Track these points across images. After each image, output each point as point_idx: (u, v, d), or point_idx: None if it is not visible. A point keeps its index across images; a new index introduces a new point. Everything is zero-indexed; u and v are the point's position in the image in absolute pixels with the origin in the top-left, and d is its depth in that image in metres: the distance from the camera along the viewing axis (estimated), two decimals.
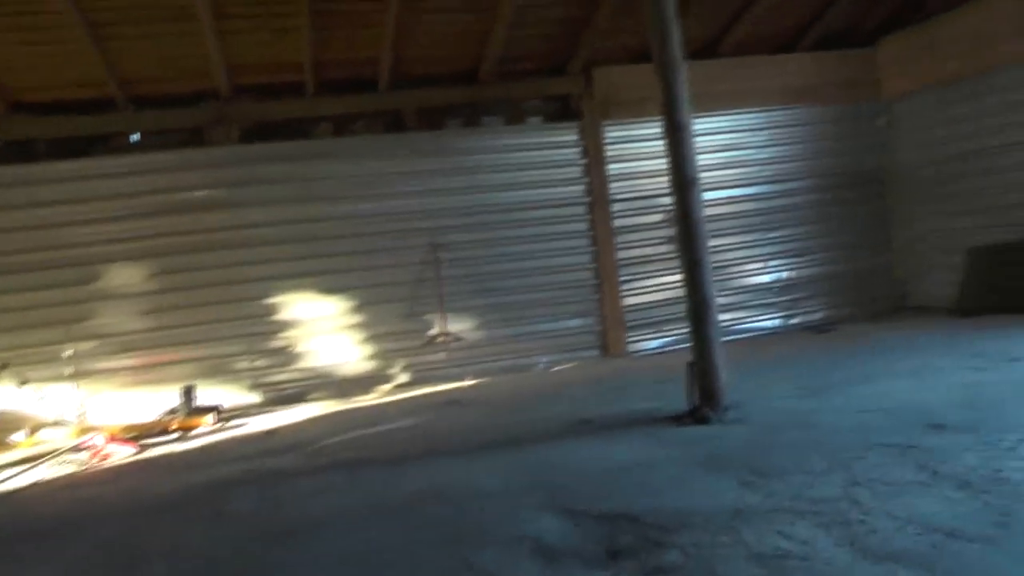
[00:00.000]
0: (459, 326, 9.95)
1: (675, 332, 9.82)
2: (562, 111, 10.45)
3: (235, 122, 9.71)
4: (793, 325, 10.91)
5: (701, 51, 10.50)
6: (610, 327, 10.23)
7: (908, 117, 11.20)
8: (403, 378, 9.83)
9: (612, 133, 10.27)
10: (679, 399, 6.63)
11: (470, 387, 9.43)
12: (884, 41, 11.35)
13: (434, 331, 9.89)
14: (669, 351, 9.58)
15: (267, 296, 9.66)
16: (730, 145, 10.82)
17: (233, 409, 9.36)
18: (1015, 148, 9.72)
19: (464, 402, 8.53)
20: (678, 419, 6.48)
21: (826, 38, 11.23)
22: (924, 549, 3.72)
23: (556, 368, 9.97)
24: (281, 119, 9.85)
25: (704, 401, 6.41)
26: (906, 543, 3.80)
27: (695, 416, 6.39)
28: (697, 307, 6.54)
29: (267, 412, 9.23)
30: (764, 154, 11.00)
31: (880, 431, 5.68)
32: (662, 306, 9.92)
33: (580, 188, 10.27)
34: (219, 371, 9.50)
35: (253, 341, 9.64)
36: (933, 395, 6.52)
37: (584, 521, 4.52)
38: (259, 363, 9.60)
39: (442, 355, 9.96)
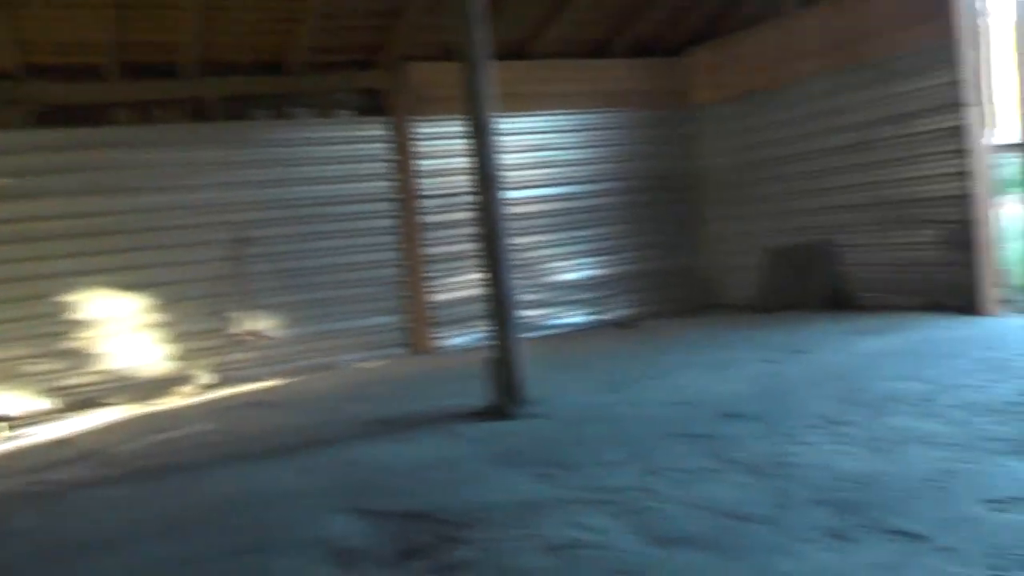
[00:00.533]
0: (266, 324, 9.73)
1: (482, 328, 9.92)
2: (373, 105, 10.35)
3: (27, 105, 9.02)
4: (601, 322, 11.27)
5: (513, 52, 10.65)
6: (417, 324, 10.27)
7: (713, 125, 11.83)
8: (207, 379, 9.49)
9: (422, 129, 10.28)
10: (483, 395, 6.76)
11: (276, 387, 9.24)
12: (692, 52, 11.93)
13: (239, 329, 9.62)
14: (476, 348, 9.67)
15: (60, 294, 9.05)
16: (541, 145, 11.05)
17: (23, 416, 8.75)
18: (803, 157, 10.49)
19: (270, 403, 8.36)
20: (480, 415, 6.61)
21: (636, 46, 11.66)
22: (711, 532, 3.99)
23: (363, 366, 9.91)
24: (78, 103, 9.21)
25: (506, 397, 6.57)
26: (695, 527, 4.06)
27: (496, 412, 6.54)
28: (498, 304, 6.69)
29: (61, 418, 8.69)
30: (575, 155, 11.29)
31: (677, 422, 6.01)
32: (469, 303, 9.97)
33: (389, 184, 10.23)
34: (6, 375, 8.86)
35: (44, 342, 9.03)
36: (729, 386, 6.95)
37: (383, 521, 4.55)
38: (51, 366, 9.02)
39: (248, 354, 9.70)
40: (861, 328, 8.65)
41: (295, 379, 9.54)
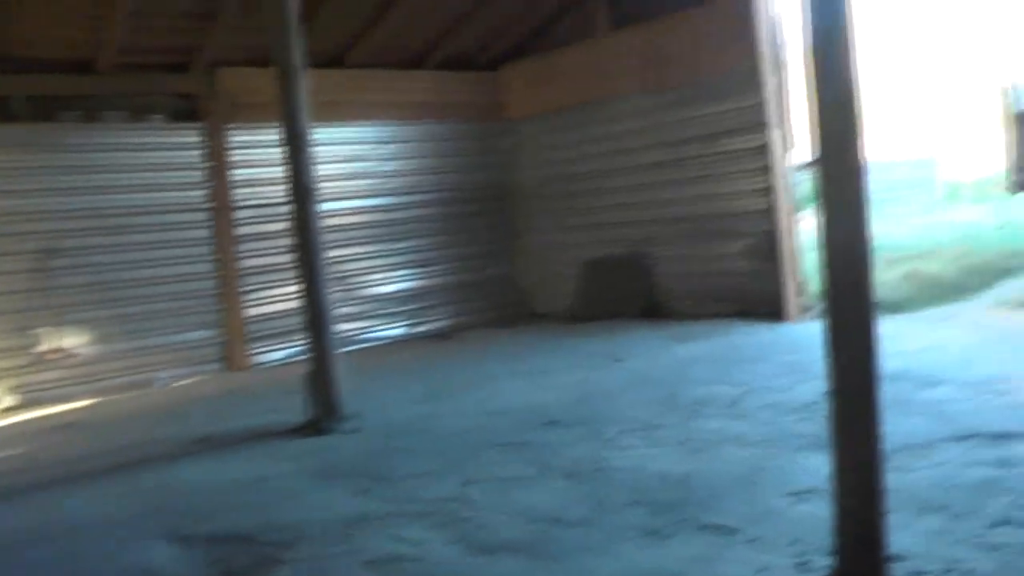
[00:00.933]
0: (74, 340, 9.07)
1: (299, 343, 9.61)
2: (187, 111, 9.85)
3: None
4: (419, 333, 11.16)
5: (329, 61, 10.45)
6: (233, 339, 9.82)
7: (530, 138, 12.00)
8: (9, 401, 8.72)
9: (237, 137, 9.88)
10: (300, 411, 6.56)
11: (85, 408, 8.62)
12: (508, 66, 12.08)
13: (46, 347, 8.92)
14: (294, 362, 9.36)
15: None
16: (358, 156, 10.85)
17: None
18: (618, 172, 10.80)
19: (79, 425, 7.80)
20: (298, 431, 6.42)
21: (454, 59, 11.69)
22: (530, 537, 4.02)
23: (178, 384, 9.41)
24: None
25: (323, 412, 6.41)
26: (513, 534, 4.09)
27: (314, 427, 6.37)
28: (314, 317, 6.53)
29: None
30: (392, 167, 11.16)
31: (496, 431, 6.04)
32: (286, 316, 9.63)
33: (203, 193, 9.78)
34: None
35: None
36: (548, 395, 7.04)
37: (198, 545, 4.35)
38: None
39: (55, 373, 9.00)
40: (675, 335, 8.98)
41: (106, 399, 8.92)
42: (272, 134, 7.59)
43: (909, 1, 49.17)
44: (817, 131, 3.09)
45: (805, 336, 8.14)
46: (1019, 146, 10.57)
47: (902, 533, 3.44)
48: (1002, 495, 3.90)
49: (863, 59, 3.11)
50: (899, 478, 4.08)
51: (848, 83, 3.04)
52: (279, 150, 6.73)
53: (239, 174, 9.86)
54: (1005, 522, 3.62)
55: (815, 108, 3.09)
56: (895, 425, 4.83)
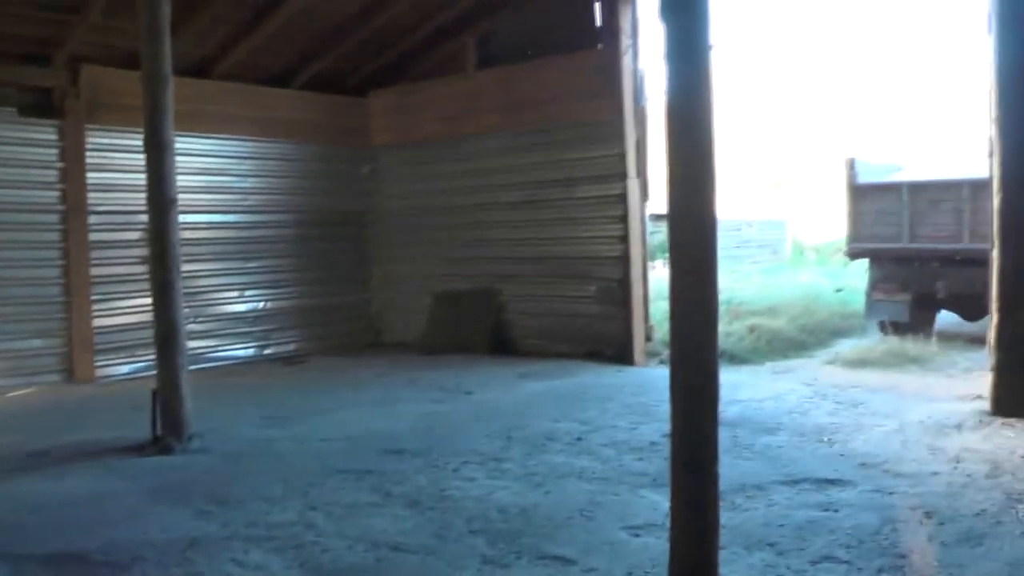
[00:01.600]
0: None
1: (148, 357, 9.23)
2: (43, 106, 9.42)
3: None
4: (267, 355, 10.98)
5: (195, 70, 10.22)
6: (77, 349, 9.39)
7: (391, 167, 12.08)
8: None
9: (96, 139, 9.51)
10: (144, 428, 6.39)
11: None
12: (373, 93, 12.15)
13: None
14: (141, 377, 9.03)
15: None
16: (215, 169, 10.62)
17: None
18: (477, 208, 11.03)
19: None
20: (141, 449, 6.26)
21: (320, 80, 11.64)
22: (370, 563, 4.10)
23: (12, 394, 8.90)
24: None
25: (168, 430, 6.27)
26: (354, 559, 4.15)
27: (158, 446, 6.22)
28: (165, 333, 6.39)
29: None
30: (249, 183, 10.97)
31: (341, 457, 6.06)
32: (136, 329, 9.29)
33: (55, 194, 9.37)
34: None
35: None
36: (394, 424, 7.11)
37: (28, 566, 4.18)
38: None
39: None
40: (524, 372, 9.23)
41: None
42: (134, 139, 7.34)
43: (771, 65, 52.35)
44: (671, 184, 3.27)
45: (651, 380, 8.50)
46: (856, 216, 11.39)
47: (732, 566, 3.74)
48: (826, 534, 4.26)
49: (723, 118, 3.32)
50: (732, 516, 4.39)
51: (705, 139, 3.23)
52: (139, 156, 6.59)
53: (96, 178, 9.50)
54: (827, 558, 3.97)
55: (671, 162, 3.27)
56: (732, 467, 5.19)
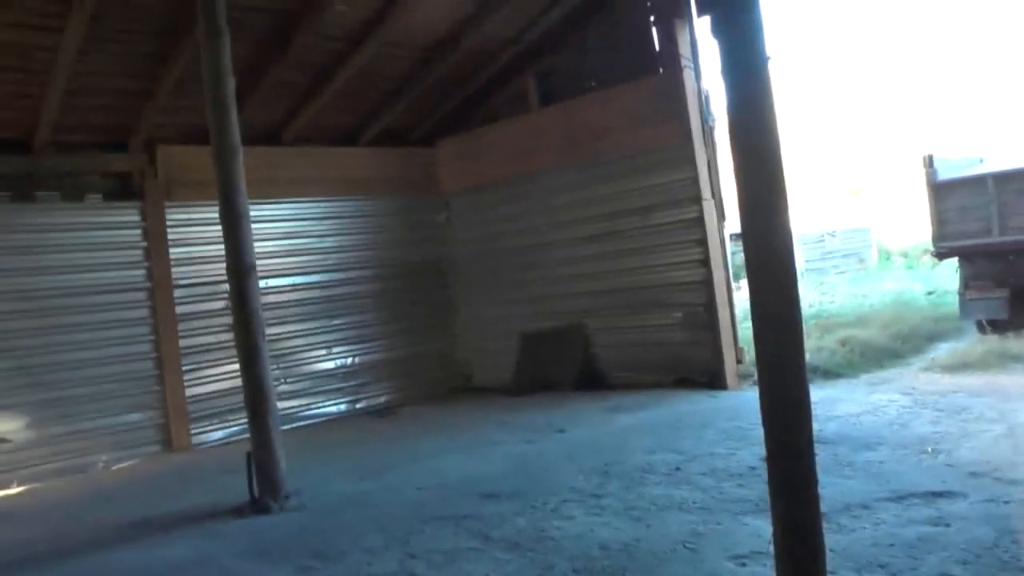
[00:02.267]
0: (5, 426, 8.78)
1: (241, 421, 9.41)
2: (124, 190, 9.76)
3: None
4: (359, 410, 11.05)
5: (264, 137, 10.52)
6: (173, 419, 9.60)
7: (464, 213, 12.16)
8: None
9: (175, 215, 9.82)
10: (242, 491, 6.44)
11: (18, 495, 8.31)
12: (441, 142, 12.29)
13: None
14: (235, 441, 9.21)
15: None
16: (293, 233, 10.86)
17: None
18: (552, 246, 10.99)
19: (10, 513, 7.49)
20: (239, 511, 6.31)
21: (386, 135, 11.82)
22: None
23: (117, 467, 9.14)
24: None
25: (265, 491, 6.31)
26: None
27: (256, 507, 6.26)
28: (254, 396, 6.46)
29: None
30: (327, 242, 11.17)
31: (437, 504, 6.00)
32: (226, 395, 9.48)
33: (141, 272, 9.67)
34: None
35: None
36: (487, 467, 7.03)
37: None
38: None
39: None
40: (615, 405, 9.05)
41: (43, 484, 8.60)
42: (210, 211, 7.56)
43: (842, 71, 51.48)
44: (741, 200, 3.15)
45: (745, 403, 8.25)
46: (940, 215, 11.03)
47: None
48: (939, 551, 4.01)
49: (795, 129, 3.19)
50: (839, 538, 4.17)
51: (771, 152, 3.11)
52: (217, 227, 6.73)
53: (178, 252, 9.78)
54: None
55: (739, 178, 3.15)
56: (834, 487, 4.96)
